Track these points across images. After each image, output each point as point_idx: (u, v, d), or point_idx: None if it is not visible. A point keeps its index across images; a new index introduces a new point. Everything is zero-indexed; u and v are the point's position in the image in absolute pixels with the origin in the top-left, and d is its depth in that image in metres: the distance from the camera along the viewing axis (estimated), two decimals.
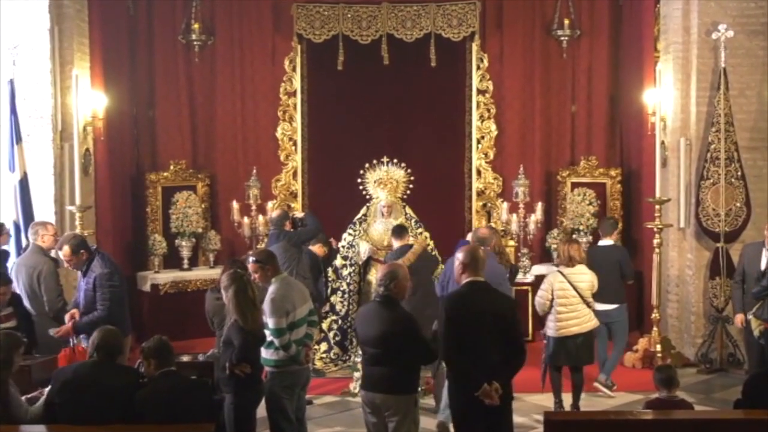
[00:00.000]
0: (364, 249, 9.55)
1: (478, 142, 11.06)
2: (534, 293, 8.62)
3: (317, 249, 9.17)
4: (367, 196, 9.94)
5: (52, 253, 7.85)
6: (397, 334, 5.57)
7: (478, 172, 11.07)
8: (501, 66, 11.15)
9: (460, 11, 10.93)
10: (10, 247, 8.32)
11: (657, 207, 9.36)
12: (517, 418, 6.38)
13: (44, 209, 8.89)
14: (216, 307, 6.83)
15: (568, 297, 7.69)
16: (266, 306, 6.12)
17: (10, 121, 8.66)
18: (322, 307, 9.28)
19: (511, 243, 10.54)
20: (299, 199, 11.08)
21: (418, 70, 10.98)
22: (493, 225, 10.19)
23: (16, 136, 8.67)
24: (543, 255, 10.97)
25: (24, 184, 8.67)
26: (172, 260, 10.79)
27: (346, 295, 9.60)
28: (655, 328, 9.38)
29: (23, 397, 5.35)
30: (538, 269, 10.35)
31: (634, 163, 10.86)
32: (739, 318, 8.42)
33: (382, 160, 9.94)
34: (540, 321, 8.75)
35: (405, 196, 9.96)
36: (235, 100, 11.19)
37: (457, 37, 10.96)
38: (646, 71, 10.09)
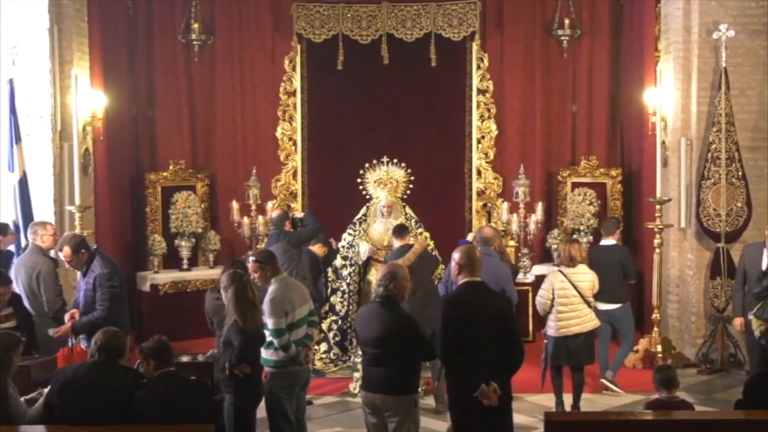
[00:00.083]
0: (364, 249, 9.54)
1: (479, 142, 11.05)
2: (534, 293, 8.61)
3: (317, 249, 9.16)
4: (367, 196, 9.93)
5: (52, 253, 7.85)
6: (397, 334, 5.56)
7: (479, 172, 11.06)
8: (501, 66, 11.14)
9: (460, 11, 10.92)
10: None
11: (658, 207, 9.35)
12: (517, 419, 6.37)
13: (43, 209, 8.88)
14: (216, 307, 6.81)
15: (568, 297, 7.69)
16: (266, 306, 6.11)
17: (9, 120, 8.65)
18: (321, 307, 9.27)
19: (512, 243, 10.53)
20: (299, 199, 11.07)
21: (418, 69, 10.97)
22: (493, 225, 10.17)
23: (16, 136, 8.66)
24: (543, 255, 10.95)
25: (23, 184, 8.67)
26: (171, 260, 10.78)
27: (346, 296, 9.59)
28: (655, 329, 9.37)
29: (22, 398, 5.33)
30: (539, 269, 10.34)
31: (635, 163, 10.85)
32: (738, 321, 8.42)
33: (382, 160, 9.93)
34: (540, 321, 8.75)
35: (405, 196, 9.95)
36: (235, 99, 11.18)
37: (457, 37, 10.95)
38: (647, 71, 10.08)
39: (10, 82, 8.70)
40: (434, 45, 10.87)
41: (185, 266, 10.73)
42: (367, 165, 9.91)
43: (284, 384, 6.21)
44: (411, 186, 9.93)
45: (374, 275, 9.05)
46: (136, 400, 5.14)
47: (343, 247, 9.72)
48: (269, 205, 10.73)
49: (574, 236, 10.11)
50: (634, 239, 10.63)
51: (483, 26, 11.07)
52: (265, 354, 6.15)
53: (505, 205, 10.80)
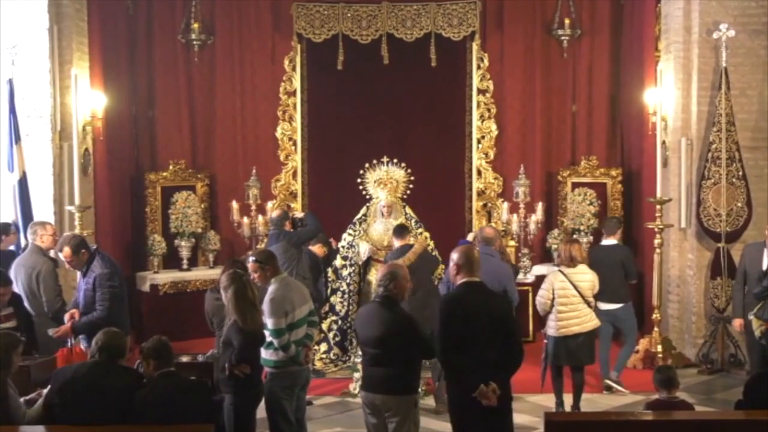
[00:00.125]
0: (364, 249, 9.53)
1: (479, 141, 11.04)
2: (534, 293, 8.61)
3: (317, 249, 9.16)
4: (367, 196, 9.92)
5: (51, 253, 7.84)
6: (397, 334, 5.55)
7: (479, 172, 11.05)
8: (501, 66, 11.13)
9: (460, 11, 10.91)
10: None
11: (658, 207, 9.34)
12: (517, 419, 6.36)
13: (43, 209, 8.87)
14: (215, 307, 6.81)
15: (568, 296, 7.68)
16: (265, 306, 6.11)
17: (9, 120, 8.64)
18: (321, 307, 9.26)
19: (512, 243, 10.53)
20: (299, 199, 11.06)
21: (418, 69, 10.96)
22: (493, 225, 10.17)
23: (15, 136, 8.65)
24: (543, 255, 10.95)
25: (23, 184, 8.66)
26: (171, 260, 10.77)
27: (345, 296, 9.58)
28: (656, 329, 9.36)
29: (21, 399, 5.33)
30: (539, 269, 10.33)
31: (635, 163, 10.84)
32: (737, 322, 8.42)
33: (382, 160, 9.92)
34: (540, 321, 8.75)
35: (405, 196, 9.95)
36: (235, 99, 11.17)
37: (457, 37, 10.94)
38: (647, 71, 10.08)
39: (10, 81, 8.70)
40: (434, 45, 10.86)
41: (185, 266, 10.73)
42: (367, 165, 9.90)
43: (284, 384, 6.20)
44: (411, 186, 9.92)
45: (374, 275, 9.04)
46: (136, 400, 5.14)
47: (343, 247, 9.71)
48: (269, 205, 10.72)
49: (574, 236, 10.11)
50: (635, 239, 10.62)
51: (483, 26, 11.06)
52: (265, 354, 6.15)
53: (505, 205, 10.80)
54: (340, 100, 11.10)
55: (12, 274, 7.50)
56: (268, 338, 6.10)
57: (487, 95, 10.99)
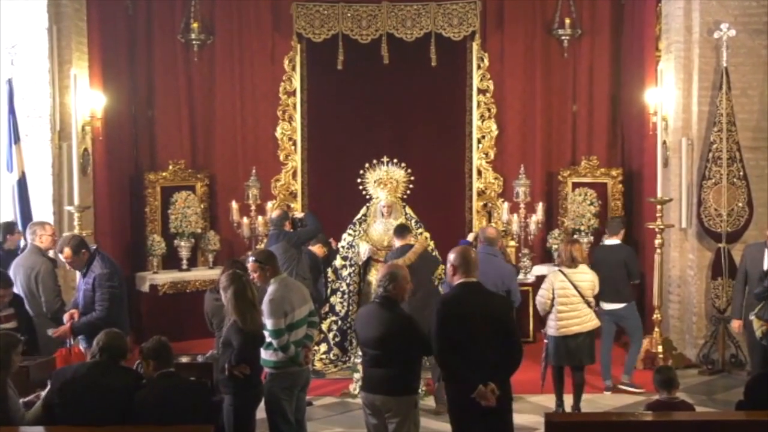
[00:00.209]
0: (364, 249, 9.51)
1: (479, 141, 11.02)
2: (535, 293, 8.60)
3: (317, 249, 9.15)
4: (367, 196, 9.90)
5: (51, 254, 7.82)
6: (397, 335, 5.54)
7: (479, 172, 11.03)
8: (502, 65, 11.11)
9: (460, 10, 10.90)
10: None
11: (658, 207, 9.31)
12: (518, 419, 6.34)
13: (42, 209, 8.85)
14: (215, 307, 6.80)
15: (568, 296, 7.68)
16: (265, 307, 6.09)
17: (8, 120, 8.63)
18: (321, 308, 9.25)
19: (512, 243, 10.51)
20: (299, 199, 11.04)
21: (418, 69, 10.94)
22: (494, 225, 10.15)
23: (15, 136, 8.64)
24: (544, 255, 10.93)
25: (22, 184, 8.64)
26: (171, 261, 10.75)
27: (345, 296, 9.57)
28: (656, 329, 9.34)
29: (20, 401, 5.31)
30: (539, 270, 10.31)
31: (636, 163, 10.82)
32: (736, 323, 8.41)
33: (382, 160, 9.91)
34: (541, 321, 8.74)
35: (405, 196, 9.93)
36: (235, 99, 11.15)
37: (457, 37, 10.92)
38: (648, 71, 10.06)
39: (9, 81, 8.68)
40: (434, 45, 10.84)
41: (184, 266, 10.71)
42: (367, 165, 9.89)
43: (284, 385, 6.19)
44: (411, 186, 9.91)
45: (374, 276, 9.04)
46: (136, 400, 5.13)
47: (343, 247, 9.69)
48: (269, 205, 10.70)
49: (575, 236, 10.10)
50: (635, 239, 10.59)
51: (483, 26, 11.04)
52: (264, 355, 6.13)
53: (506, 205, 10.78)
54: (340, 100, 11.08)
55: (11, 274, 7.48)
56: (268, 339, 6.08)
57: (488, 95, 10.97)
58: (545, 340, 7.89)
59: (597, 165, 10.88)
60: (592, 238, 10.48)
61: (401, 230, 8.72)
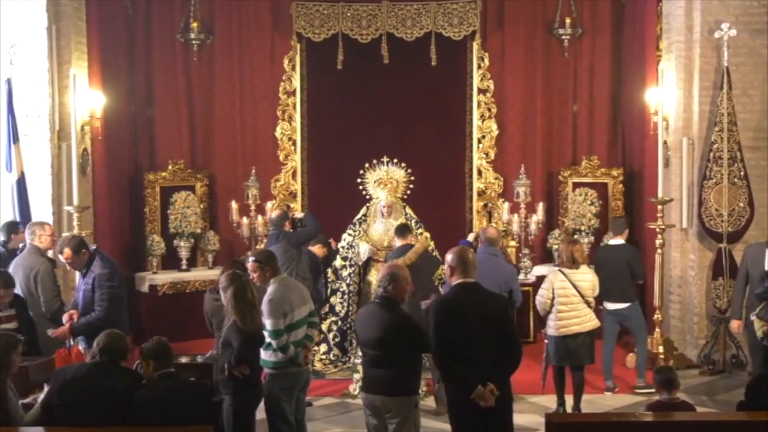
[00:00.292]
0: (363, 249, 9.50)
1: (479, 141, 11.00)
2: (535, 294, 8.57)
3: (317, 250, 9.13)
4: (367, 196, 9.89)
5: (50, 254, 7.80)
6: (397, 335, 5.53)
7: (479, 172, 11.02)
8: (502, 65, 11.10)
9: (460, 10, 10.88)
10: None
11: (659, 207, 9.28)
12: (518, 419, 6.34)
13: (42, 209, 8.84)
14: (215, 308, 6.78)
15: (568, 296, 7.67)
16: (264, 307, 6.08)
17: (7, 120, 8.62)
18: (321, 308, 9.24)
19: (513, 243, 10.50)
20: (299, 199, 11.02)
21: (418, 69, 10.92)
22: (494, 225, 10.14)
23: (14, 136, 8.63)
24: (544, 255, 10.92)
25: (21, 184, 8.64)
26: (170, 261, 10.74)
27: (345, 296, 9.55)
28: (657, 330, 9.31)
29: (20, 402, 5.30)
30: (540, 270, 10.30)
31: (636, 163, 10.81)
32: (736, 324, 8.40)
33: (382, 160, 9.90)
34: (541, 321, 8.72)
35: (405, 196, 9.92)
36: (234, 99, 11.14)
37: (457, 36, 10.91)
38: (649, 70, 10.04)
39: (8, 81, 8.67)
40: (434, 44, 10.83)
41: (184, 267, 10.69)
42: (367, 165, 9.88)
43: (283, 385, 6.18)
44: (411, 186, 9.90)
45: (374, 276, 9.03)
46: (136, 401, 5.13)
47: (342, 247, 9.68)
48: (268, 205, 10.69)
49: (575, 236, 10.08)
50: (636, 239, 10.57)
51: (483, 25, 11.03)
52: (264, 355, 6.12)
53: (506, 205, 10.76)
54: (340, 100, 11.07)
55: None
56: (267, 339, 6.07)
57: (488, 95, 10.96)
58: (545, 341, 7.88)
59: (597, 165, 10.87)
60: (592, 238, 10.47)
61: (402, 230, 8.72)
